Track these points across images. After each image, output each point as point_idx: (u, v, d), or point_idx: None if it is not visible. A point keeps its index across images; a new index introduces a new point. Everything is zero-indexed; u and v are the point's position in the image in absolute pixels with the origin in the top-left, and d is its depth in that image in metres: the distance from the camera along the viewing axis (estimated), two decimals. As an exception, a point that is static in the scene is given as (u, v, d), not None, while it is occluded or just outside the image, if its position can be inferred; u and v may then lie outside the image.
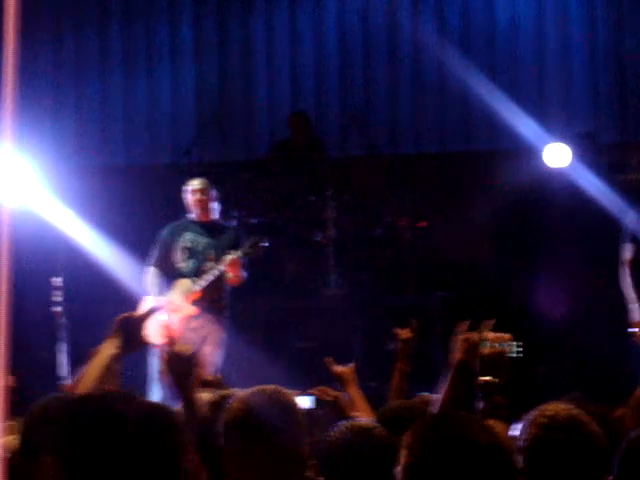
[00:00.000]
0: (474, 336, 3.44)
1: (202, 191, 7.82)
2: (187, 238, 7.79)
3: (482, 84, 9.46)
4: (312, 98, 10.48)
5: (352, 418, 3.78)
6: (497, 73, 9.93)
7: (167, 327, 7.47)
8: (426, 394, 4.50)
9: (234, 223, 9.19)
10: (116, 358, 3.45)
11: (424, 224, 9.37)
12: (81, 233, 8.12)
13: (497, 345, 3.43)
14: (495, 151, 9.84)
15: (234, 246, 7.70)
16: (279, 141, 10.00)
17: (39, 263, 8.14)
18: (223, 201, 9.15)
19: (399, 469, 2.11)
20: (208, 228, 7.82)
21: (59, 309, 7.80)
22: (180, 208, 8.27)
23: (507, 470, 2.08)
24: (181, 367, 3.63)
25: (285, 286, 9.29)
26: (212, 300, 7.65)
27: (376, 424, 3.25)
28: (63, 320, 7.80)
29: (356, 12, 10.44)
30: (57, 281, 7.85)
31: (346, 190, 9.36)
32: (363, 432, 3.17)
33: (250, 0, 10.61)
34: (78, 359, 7.07)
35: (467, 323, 3.52)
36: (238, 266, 7.61)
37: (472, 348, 3.45)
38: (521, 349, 3.48)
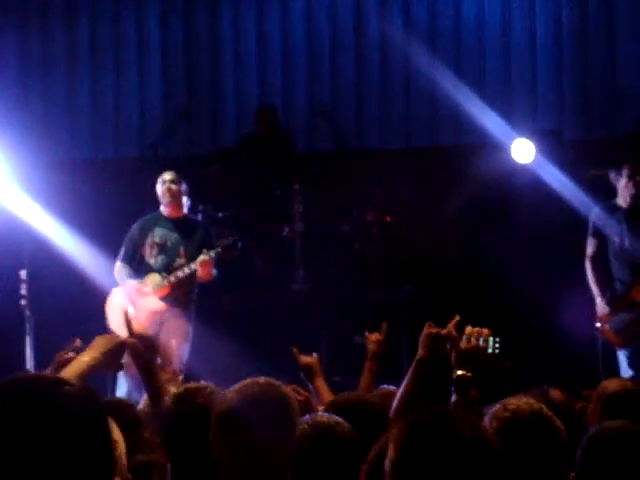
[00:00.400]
0: (439, 332, 3.44)
1: (173, 181, 7.79)
2: (157, 233, 7.75)
3: (448, 79, 9.51)
4: (279, 92, 10.47)
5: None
6: (463, 69, 9.97)
7: (133, 319, 7.43)
8: (386, 387, 4.52)
9: (200, 217, 9.17)
10: (92, 368, 3.43)
11: (390, 219, 9.40)
12: (47, 226, 8.08)
13: (475, 340, 3.43)
14: (461, 146, 9.89)
15: (205, 243, 7.68)
16: (246, 134, 9.98)
17: (4, 256, 8.09)
18: (189, 195, 9.14)
19: (387, 463, 2.11)
20: (178, 224, 7.79)
21: (25, 302, 7.77)
22: (146, 201, 8.25)
23: (493, 464, 2.08)
24: (143, 351, 3.63)
25: (252, 280, 9.29)
26: (179, 295, 7.64)
27: (339, 420, 3.24)
28: (28, 313, 7.76)
29: (323, 7, 10.44)
30: (23, 274, 7.81)
31: (313, 184, 9.37)
32: (326, 427, 3.15)
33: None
34: (44, 352, 7.06)
35: (433, 323, 3.51)
36: (210, 266, 7.61)
37: (436, 345, 3.44)
38: (499, 344, 3.49)
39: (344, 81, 10.38)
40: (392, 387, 4.33)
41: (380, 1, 10.31)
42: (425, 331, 3.46)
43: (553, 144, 8.99)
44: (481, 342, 3.43)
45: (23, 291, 7.80)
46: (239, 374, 3.76)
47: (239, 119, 10.47)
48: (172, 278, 7.60)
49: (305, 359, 5.00)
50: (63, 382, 2.01)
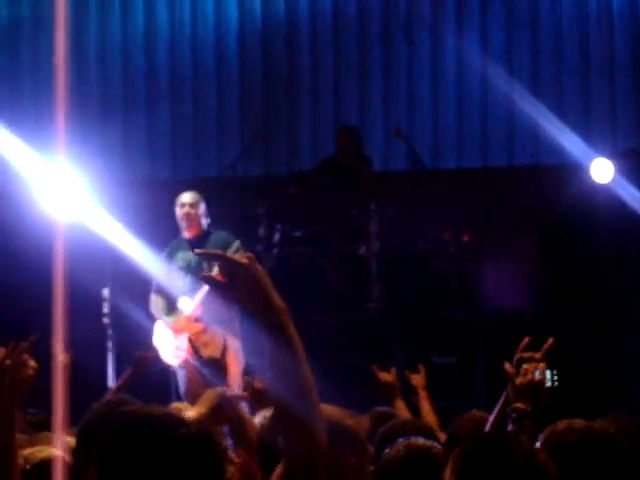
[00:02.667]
0: (534, 356, 3.38)
1: (191, 205, 7.66)
2: (180, 257, 7.66)
3: (526, 100, 9.48)
4: (356, 112, 10.55)
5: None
6: (541, 89, 9.94)
7: (179, 348, 7.38)
8: (475, 411, 4.48)
9: (277, 236, 9.24)
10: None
11: (467, 238, 9.39)
12: (128, 245, 8.20)
13: (531, 373, 3.40)
14: (539, 166, 9.85)
15: (224, 248, 7.39)
16: (325, 159, 10.02)
17: (87, 275, 8.24)
18: (267, 215, 9.23)
19: None
20: (196, 242, 7.62)
21: (107, 320, 7.90)
22: (225, 220, 8.34)
23: None
24: (241, 276, 2.31)
25: (328, 299, 9.33)
26: (214, 312, 7.44)
27: (434, 443, 3.24)
28: (111, 331, 7.90)
29: (399, 29, 10.50)
30: (105, 292, 7.95)
31: (389, 204, 9.40)
32: (421, 451, 3.15)
33: (293, 22, 10.70)
34: (126, 370, 7.16)
35: (527, 341, 3.46)
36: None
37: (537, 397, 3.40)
38: (557, 377, 3.46)
39: (420, 101, 10.42)
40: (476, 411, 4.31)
41: (457, 23, 10.34)
42: (518, 355, 3.37)
43: (633, 164, 8.92)
44: (537, 375, 3.39)
45: (105, 309, 7.93)
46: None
47: (316, 140, 10.57)
48: (197, 297, 7.53)
49: (385, 377, 4.96)
50: (183, 423, 2.06)
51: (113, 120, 10.78)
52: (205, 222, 7.77)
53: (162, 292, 7.67)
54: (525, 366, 3.38)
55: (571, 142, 9.12)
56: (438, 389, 8.20)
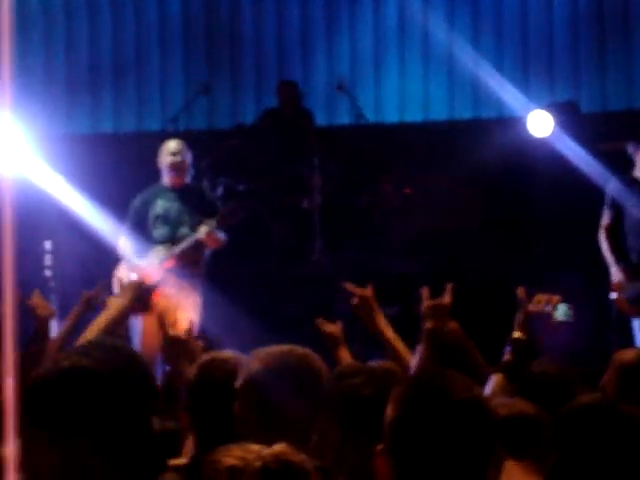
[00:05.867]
0: (441, 302, 3.49)
1: (179, 152, 7.61)
2: (159, 205, 7.60)
3: (466, 53, 9.55)
4: (299, 66, 10.55)
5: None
6: (481, 42, 10.02)
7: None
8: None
9: (220, 189, 9.25)
10: (123, 311, 3.53)
11: (409, 191, 9.47)
12: (71, 199, 8.17)
13: (543, 304, 3.45)
14: (479, 120, 9.95)
15: (207, 211, 7.53)
16: (268, 109, 10.06)
17: (29, 228, 8.22)
18: (211, 168, 9.24)
19: (385, 421, 2.16)
20: (180, 193, 7.63)
21: (49, 273, 7.89)
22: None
23: (484, 425, 2.12)
24: (177, 350, 3.75)
25: (271, 252, 9.38)
26: (187, 265, 7.51)
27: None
28: (53, 284, 7.89)
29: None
30: (47, 245, 7.93)
31: (332, 158, 9.45)
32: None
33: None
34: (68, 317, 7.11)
35: (428, 289, 3.57)
36: (215, 235, 7.46)
37: (441, 314, 3.48)
38: (570, 311, 3.51)
39: (362, 55, 10.44)
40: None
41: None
42: (431, 303, 3.52)
43: (570, 116, 9.03)
44: (547, 308, 3.44)
45: (47, 262, 7.92)
46: (257, 344, 3.86)
47: (259, 93, 10.56)
48: (177, 249, 7.47)
49: (329, 328, 5.03)
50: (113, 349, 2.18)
51: (55, 76, 10.69)
52: (190, 170, 7.73)
53: (134, 237, 7.60)
54: (539, 296, 3.44)
55: (509, 95, 9.21)
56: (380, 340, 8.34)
